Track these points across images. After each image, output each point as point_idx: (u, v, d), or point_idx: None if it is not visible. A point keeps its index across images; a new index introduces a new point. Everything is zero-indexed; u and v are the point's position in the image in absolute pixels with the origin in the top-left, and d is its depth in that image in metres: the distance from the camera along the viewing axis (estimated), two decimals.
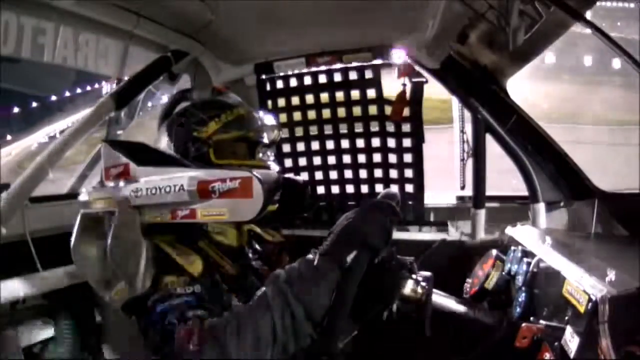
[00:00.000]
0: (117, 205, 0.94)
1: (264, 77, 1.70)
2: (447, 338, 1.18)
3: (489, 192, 1.52)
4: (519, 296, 1.05)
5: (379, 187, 1.70)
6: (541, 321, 0.92)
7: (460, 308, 1.15)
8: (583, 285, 0.80)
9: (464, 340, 1.19)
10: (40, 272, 1.17)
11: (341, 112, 1.69)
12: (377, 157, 1.68)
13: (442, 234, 1.63)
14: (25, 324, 1.16)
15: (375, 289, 0.88)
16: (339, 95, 1.66)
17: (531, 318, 0.98)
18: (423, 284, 0.91)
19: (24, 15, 1.12)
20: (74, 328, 1.23)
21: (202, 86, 1.40)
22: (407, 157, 1.64)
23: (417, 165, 1.63)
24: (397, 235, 1.51)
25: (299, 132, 1.76)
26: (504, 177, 1.61)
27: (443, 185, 1.87)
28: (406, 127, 1.61)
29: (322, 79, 1.66)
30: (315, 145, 1.76)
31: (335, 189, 1.77)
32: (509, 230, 1.33)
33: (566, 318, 0.83)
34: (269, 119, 1.06)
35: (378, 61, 1.54)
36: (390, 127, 1.64)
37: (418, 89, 1.52)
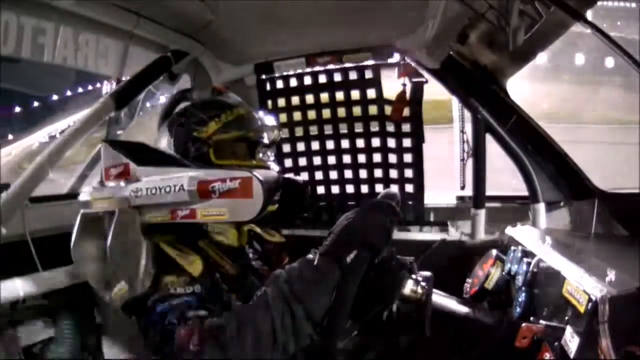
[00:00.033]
0: (117, 205, 0.94)
1: (264, 77, 1.70)
2: (447, 338, 1.18)
3: (488, 192, 1.53)
4: (519, 296, 1.05)
5: (379, 187, 1.70)
6: (541, 321, 0.92)
7: (460, 308, 1.15)
8: (583, 285, 0.80)
9: (464, 340, 1.19)
10: (40, 272, 1.17)
11: (341, 112, 1.69)
12: (377, 157, 1.67)
13: (442, 234, 1.63)
14: (25, 324, 1.16)
15: (375, 289, 0.88)
16: (339, 95, 1.66)
17: (531, 318, 0.98)
18: (423, 284, 0.91)
19: (24, 15, 1.12)
20: (74, 328, 1.22)
21: (202, 86, 1.40)
22: (407, 157, 1.63)
23: (417, 165, 1.63)
24: (397, 235, 1.51)
25: (299, 132, 1.76)
26: (502, 176, 1.61)
27: (443, 185, 1.87)
28: (406, 127, 1.61)
29: (322, 79, 1.65)
30: (315, 145, 1.76)
31: (335, 189, 1.77)
32: (509, 230, 1.33)
33: (566, 318, 0.83)
34: (269, 119, 1.06)
35: (378, 61, 1.54)
36: (390, 127, 1.64)
37: (418, 89, 1.52)
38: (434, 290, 0.95)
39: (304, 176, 1.76)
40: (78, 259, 1.00)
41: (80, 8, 1.17)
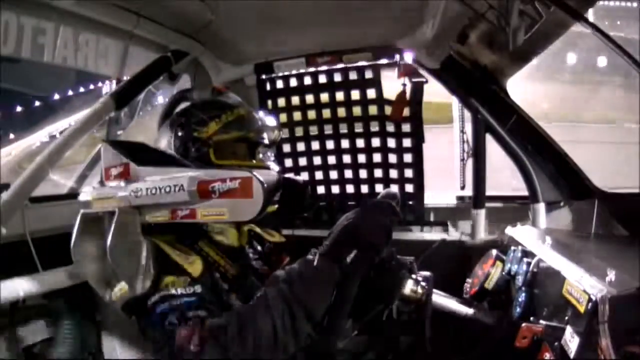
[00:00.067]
0: (117, 205, 0.94)
1: (264, 77, 1.70)
2: (447, 338, 1.18)
3: (488, 192, 1.53)
4: (519, 296, 1.05)
5: (379, 187, 1.70)
6: (541, 321, 0.92)
7: (460, 308, 1.15)
8: (583, 285, 0.80)
9: (464, 340, 1.19)
10: (40, 272, 1.17)
11: (341, 112, 1.69)
12: (377, 157, 1.67)
13: (442, 234, 1.63)
14: (25, 324, 1.16)
15: (375, 289, 0.88)
16: (339, 95, 1.66)
17: (531, 318, 0.98)
18: (423, 284, 0.91)
19: (24, 15, 1.12)
20: (74, 328, 1.22)
21: (202, 86, 1.40)
22: (407, 157, 1.64)
23: (417, 165, 1.63)
24: (397, 235, 1.51)
25: (299, 132, 1.76)
26: (499, 175, 1.61)
27: (443, 185, 1.87)
28: (406, 127, 1.61)
29: (322, 79, 1.65)
30: (315, 145, 1.76)
31: (335, 189, 1.77)
32: (509, 230, 1.33)
33: (566, 318, 0.83)
34: (269, 120, 1.06)
35: (378, 61, 1.54)
36: (390, 127, 1.64)
37: (418, 89, 1.52)
38: (434, 290, 0.95)
39: (304, 176, 1.76)
40: (78, 259, 1.00)
41: (80, 8, 1.17)
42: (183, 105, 1.08)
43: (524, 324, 0.92)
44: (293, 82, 1.70)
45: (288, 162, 1.80)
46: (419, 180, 1.64)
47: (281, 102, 1.74)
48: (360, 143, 1.69)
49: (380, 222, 0.85)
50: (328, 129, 1.71)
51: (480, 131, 1.46)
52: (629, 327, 0.71)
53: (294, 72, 1.66)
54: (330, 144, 1.73)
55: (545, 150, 1.31)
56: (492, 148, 1.47)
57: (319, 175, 1.78)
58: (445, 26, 1.28)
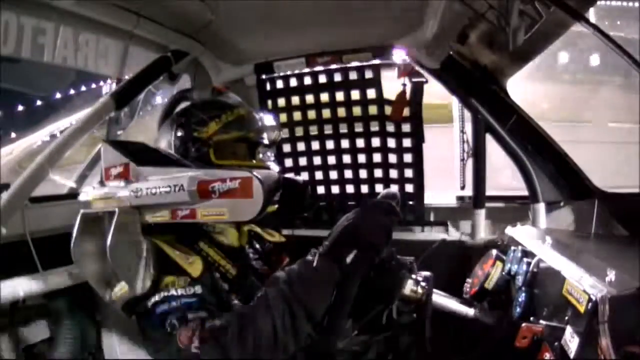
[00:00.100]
0: (117, 205, 0.94)
1: (264, 77, 1.70)
2: (447, 338, 1.19)
3: (488, 192, 1.53)
4: (519, 296, 1.05)
5: (379, 187, 1.70)
6: (541, 321, 0.92)
7: (460, 308, 1.15)
8: (583, 285, 0.80)
9: (464, 340, 1.19)
10: (41, 272, 1.17)
11: (341, 112, 1.69)
12: (377, 157, 1.68)
13: (442, 234, 1.63)
14: (25, 324, 1.16)
15: (375, 289, 0.88)
16: (339, 95, 1.66)
17: (531, 318, 0.98)
18: (423, 284, 0.91)
19: (24, 15, 1.12)
20: (74, 328, 1.22)
21: (202, 86, 1.40)
22: (407, 157, 1.64)
23: (417, 165, 1.63)
24: (397, 235, 1.51)
25: (299, 132, 1.76)
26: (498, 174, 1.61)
27: (443, 185, 1.87)
28: (406, 127, 1.61)
29: (322, 79, 1.66)
30: (315, 145, 1.76)
31: (335, 189, 1.77)
32: (509, 230, 1.33)
33: (566, 318, 0.83)
34: (269, 120, 1.07)
35: (378, 61, 1.54)
36: (390, 127, 1.64)
37: (418, 89, 1.52)
38: (434, 290, 0.95)
39: (304, 176, 1.76)
40: (78, 259, 1.00)
41: (80, 8, 1.17)
42: (183, 105, 1.08)
43: (524, 324, 0.92)
44: (293, 82, 1.70)
45: (288, 162, 1.80)
46: (419, 180, 1.64)
47: (281, 102, 1.74)
48: (360, 143, 1.69)
49: (380, 222, 0.85)
50: (328, 129, 1.71)
51: (480, 131, 1.46)
52: (629, 327, 0.71)
53: (294, 72, 1.66)
54: (330, 144, 1.74)
55: (545, 150, 1.31)
56: (492, 148, 1.47)
57: (319, 175, 1.78)
58: (445, 26, 1.28)
